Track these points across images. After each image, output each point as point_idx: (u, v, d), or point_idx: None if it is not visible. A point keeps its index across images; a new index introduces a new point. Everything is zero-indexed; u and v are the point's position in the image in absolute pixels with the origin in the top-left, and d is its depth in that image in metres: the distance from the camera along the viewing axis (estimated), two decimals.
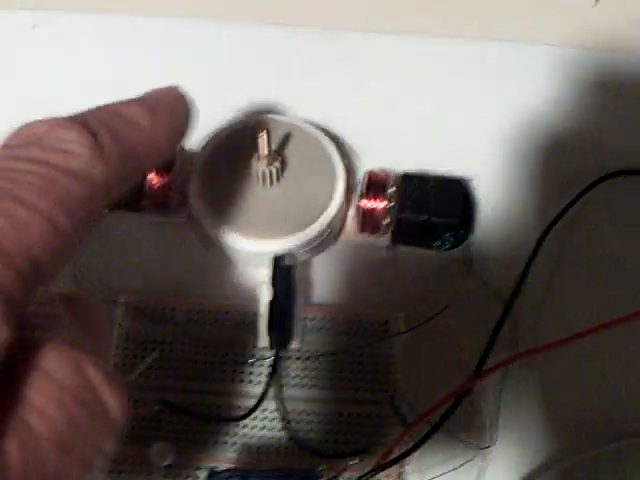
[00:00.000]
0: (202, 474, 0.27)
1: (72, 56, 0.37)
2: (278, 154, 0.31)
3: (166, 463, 0.27)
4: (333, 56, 0.37)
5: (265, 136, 0.29)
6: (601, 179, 0.33)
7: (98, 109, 0.19)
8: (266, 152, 0.30)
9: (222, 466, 0.27)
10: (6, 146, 0.17)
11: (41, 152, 0.17)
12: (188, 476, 0.27)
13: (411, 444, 0.28)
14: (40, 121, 0.18)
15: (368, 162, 0.33)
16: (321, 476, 0.26)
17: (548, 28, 0.37)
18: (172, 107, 0.20)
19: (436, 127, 0.34)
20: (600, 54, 0.37)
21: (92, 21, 0.37)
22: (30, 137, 0.17)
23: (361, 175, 0.32)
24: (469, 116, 0.35)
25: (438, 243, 0.31)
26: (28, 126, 0.18)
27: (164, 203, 0.32)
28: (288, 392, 0.29)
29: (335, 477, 0.27)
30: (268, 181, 0.31)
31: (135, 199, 0.31)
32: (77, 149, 0.17)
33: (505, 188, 0.33)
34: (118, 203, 0.31)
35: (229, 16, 0.37)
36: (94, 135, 0.17)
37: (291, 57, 0.36)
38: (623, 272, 0.32)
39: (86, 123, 0.17)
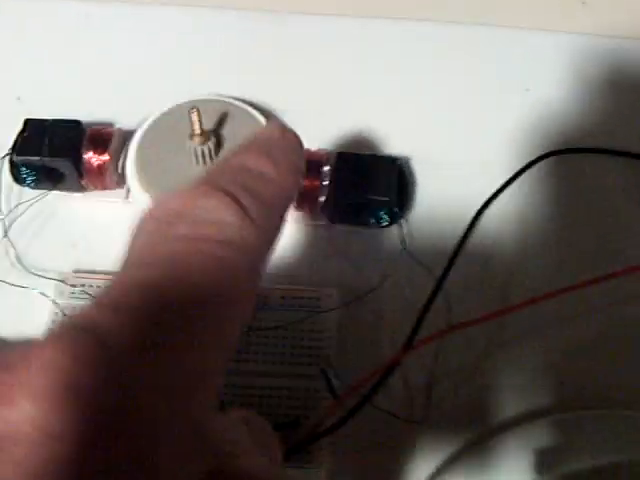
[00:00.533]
0: None
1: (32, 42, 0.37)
2: (213, 133, 0.31)
3: None
4: (279, 39, 0.37)
5: (196, 114, 0.30)
6: (540, 157, 0.34)
7: (224, 167, 0.18)
8: (198, 130, 0.30)
9: None
10: (155, 220, 0.17)
11: (193, 227, 0.16)
12: None
13: (341, 417, 0.28)
14: (178, 193, 0.17)
15: (307, 143, 0.33)
16: None
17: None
18: (288, 149, 0.19)
19: (374, 108, 0.35)
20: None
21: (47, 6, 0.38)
22: (173, 210, 0.16)
23: None
24: (405, 96, 0.35)
25: (373, 221, 0.32)
26: (167, 200, 0.17)
27: (102, 182, 0.32)
28: None
29: None
30: (202, 159, 0.31)
31: (76, 179, 0.32)
32: (225, 218, 0.16)
33: (444, 166, 0.34)
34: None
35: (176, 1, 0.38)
36: (235, 199, 0.16)
37: (235, 40, 0.37)
38: (555, 249, 0.32)
39: (222, 187, 0.17)
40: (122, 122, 0.34)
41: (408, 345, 0.29)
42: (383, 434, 0.29)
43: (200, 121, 0.30)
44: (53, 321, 0.30)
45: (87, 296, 0.30)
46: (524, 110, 0.35)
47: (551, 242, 0.32)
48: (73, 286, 0.30)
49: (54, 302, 0.30)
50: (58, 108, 0.33)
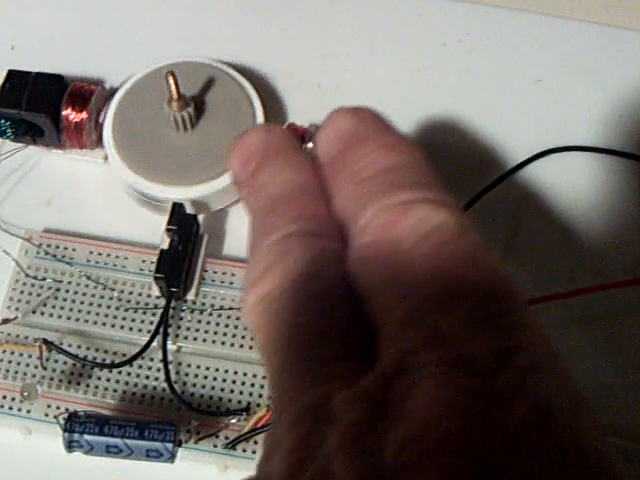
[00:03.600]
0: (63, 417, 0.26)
1: None
2: (194, 98, 0.30)
3: (32, 402, 0.26)
4: (277, 4, 0.35)
5: (172, 78, 0.28)
6: (541, 154, 0.31)
7: (375, 182, 0.16)
8: (176, 95, 0.29)
9: (87, 409, 0.26)
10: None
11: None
12: (55, 415, 0.26)
13: None
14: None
15: (294, 117, 0.32)
16: (178, 430, 0.25)
17: None
18: (377, 124, 0.18)
19: (370, 87, 0.32)
20: None
21: None
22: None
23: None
24: (403, 77, 0.33)
25: None
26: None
27: (80, 140, 0.31)
28: (178, 344, 0.28)
29: (211, 435, 0.27)
30: (181, 126, 0.29)
31: (55, 135, 0.31)
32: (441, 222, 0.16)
33: (442, 154, 0.31)
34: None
35: None
36: (421, 201, 0.16)
37: (232, 3, 0.35)
38: (546, 253, 0.29)
39: (402, 199, 0.16)
40: (114, 81, 0.32)
41: None
42: None
43: (177, 85, 0.28)
44: (16, 280, 0.29)
45: (52, 257, 0.29)
46: (533, 102, 0.32)
47: (542, 246, 0.30)
48: (39, 245, 0.29)
49: (16, 261, 0.29)
50: (50, 61, 0.32)
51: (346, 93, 0.32)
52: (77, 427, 0.25)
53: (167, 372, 0.27)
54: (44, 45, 0.34)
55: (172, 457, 0.25)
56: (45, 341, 0.27)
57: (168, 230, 0.28)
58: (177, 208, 0.28)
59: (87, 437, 0.25)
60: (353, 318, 0.16)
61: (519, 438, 0.12)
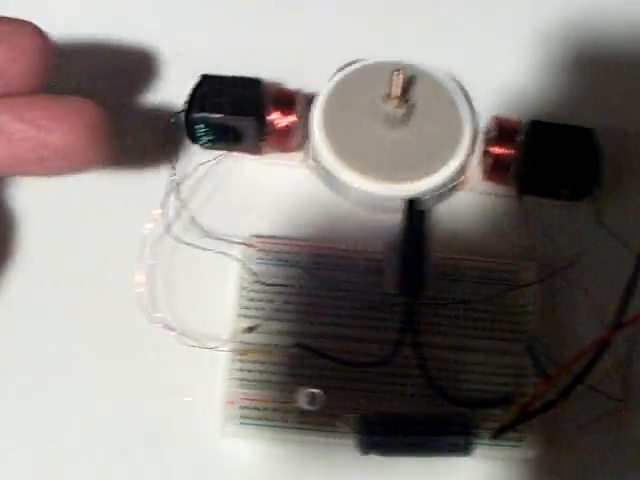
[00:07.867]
0: (350, 419, 0.25)
1: None
2: (406, 97, 0.30)
3: (315, 408, 0.25)
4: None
5: (401, 76, 0.28)
6: None
7: None
8: (398, 93, 0.29)
9: (371, 411, 0.25)
10: None
11: None
12: (337, 420, 0.26)
13: (551, 396, 0.27)
14: None
15: (499, 109, 0.32)
16: (476, 426, 0.25)
17: None
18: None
19: (565, 77, 0.33)
20: None
21: None
22: None
23: (484, 122, 0.31)
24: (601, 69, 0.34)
25: (565, 193, 0.30)
26: None
27: (284, 145, 0.30)
28: (423, 339, 0.28)
29: (478, 426, 0.26)
30: (396, 123, 0.29)
31: (255, 140, 0.30)
32: None
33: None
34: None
35: None
36: None
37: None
38: None
39: None
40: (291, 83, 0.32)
41: (617, 324, 0.28)
42: (596, 415, 0.28)
43: (401, 83, 0.28)
44: (243, 287, 0.28)
45: (276, 262, 0.28)
46: None
47: None
48: (260, 250, 0.29)
49: (248, 267, 0.28)
50: (214, 66, 0.31)
51: (547, 91, 0.32)
52: (372, 428, 0.24)
53: (425, 368, 0.27)
54: (210, 50, 0.33)
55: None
56: (299, 345, 0.26)
57: (406, 227, 0.28)
58: (412, 204, 0.28)
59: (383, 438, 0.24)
60: None
61: None
